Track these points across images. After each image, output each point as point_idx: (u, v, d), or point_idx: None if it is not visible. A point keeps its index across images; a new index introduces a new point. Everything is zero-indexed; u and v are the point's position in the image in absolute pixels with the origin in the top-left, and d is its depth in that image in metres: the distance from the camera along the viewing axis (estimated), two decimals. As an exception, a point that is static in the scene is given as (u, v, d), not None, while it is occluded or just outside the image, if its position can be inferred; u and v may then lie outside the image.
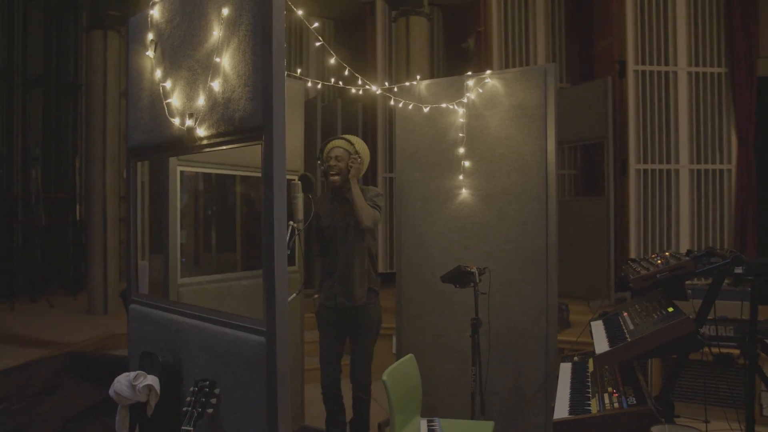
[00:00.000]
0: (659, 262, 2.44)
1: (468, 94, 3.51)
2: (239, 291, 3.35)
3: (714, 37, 5.90)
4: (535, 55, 6.70)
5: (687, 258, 2.29)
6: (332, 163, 3.16)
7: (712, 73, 5.88)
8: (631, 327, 2.31)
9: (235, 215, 4.17)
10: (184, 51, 2.08)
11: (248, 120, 1.80)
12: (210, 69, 1.93)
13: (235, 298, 3.24)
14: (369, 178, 7.24)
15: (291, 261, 3.56)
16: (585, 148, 6.60)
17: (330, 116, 6.71)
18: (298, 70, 2.69)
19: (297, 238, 2.90)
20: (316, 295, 3.42)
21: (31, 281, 6.19)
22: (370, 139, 7.30)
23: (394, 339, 4.09)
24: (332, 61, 2.23)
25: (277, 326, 1.75)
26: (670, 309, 2.24)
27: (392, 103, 3.21)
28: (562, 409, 2.19)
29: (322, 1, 7.76)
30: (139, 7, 2.46)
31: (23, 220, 6.63)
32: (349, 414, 3.36)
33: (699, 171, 5.87)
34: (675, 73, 5.86)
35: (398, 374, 2.68)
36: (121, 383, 2.00)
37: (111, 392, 2.02)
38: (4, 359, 3.62)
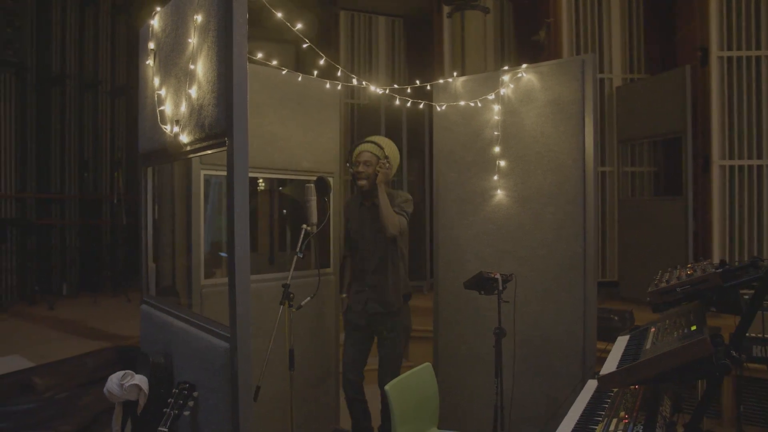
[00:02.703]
0: (688, 272, 2.17)
1: (502, 90, 3.33)
2: (266, 292, 3.34)
3: (817, 15, 5.21)
4: (609, 44, 6.27)
5: (714, 270, 2.01)
6: (360, 168, 3.13)
7: (814, 56, 5.20)
8: (648, 346, 2.07)
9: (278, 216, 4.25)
10: (172, 59, 2.12)
11: (215, 126, 1.80)
12: (188, 76, 1.95)
13: (260, 300, 3.25)
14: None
15: (305, 265, 3.50)
16: (666, 143, 6.09)
17: (395, 119, 6.67)
18: (315, 72, 2.65)
19: (312, 240, 2.90)
20: (344, 295, 3.41)
21: (114, 277, 6.68)
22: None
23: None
24: (321, 62, 2.19)
25: (238, 332, 1.73)
26: (693, 327, 1.98)
27: (398, 103, 3.11)
28: (563, 433, 2.01)
29: (392, -1, 7.76)
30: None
31: (109, 221, 7.17)
32: (377, 420, 3.31)
33: (797, 167, 5.21)
34: (768, 57, 5.24)
35: (407, 385, 2.59)
36: (113, 382, 2.08)
37: (105, 390, 2.11)
38: (66, 349, 3.92)
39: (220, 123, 1.76)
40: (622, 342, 2.35)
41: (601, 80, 6.20)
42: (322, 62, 2.21)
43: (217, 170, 3.06)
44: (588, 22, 6.25)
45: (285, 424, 3.25)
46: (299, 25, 1.95)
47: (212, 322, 1.94)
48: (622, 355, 2.13)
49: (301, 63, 9.68)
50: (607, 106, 6.17)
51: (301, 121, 3.49)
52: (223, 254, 5.40)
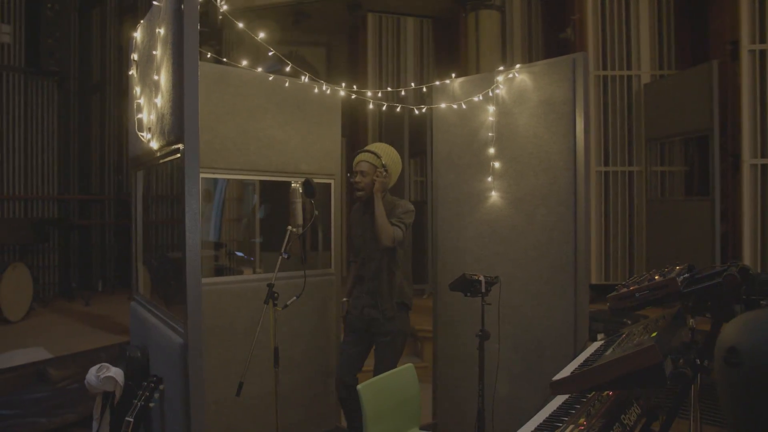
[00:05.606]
0: (656, 278, 2.11)
1: (495, 90, 3.32)
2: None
3: None
4: (637, 40, 6.08)
5: (673, 276, 1.95)
6: (357, 179, 3.17)
7: None
8: (609, 352, 2.04)
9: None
10: (146, 70, 2.23)
11: (171, 133, 1.89)
12: (155, 86, 2.06)
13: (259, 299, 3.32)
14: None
15: (292, 266, 3.53)
16: (700, 141, 5.86)
17: (421, 122, 6.67)
18: (313, 79, 2.72)
19: (297, 240, 2.97)
20: (345, 299, 3.48)
21: (148, 274, 6.98)
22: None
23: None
24: (287, 69, 2.26)
25: (190, 329, 1.82)
26: (654, 334, 1.93)
27: (372, 106, 3.13)
28: (518, 438, 1.99)
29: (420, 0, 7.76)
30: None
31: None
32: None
33: (836, 165, 4.92)
34: (805, 50, 4.97)
35: (383, 386, 2.62)
36: (91, 374, 2.21)
37: (85, 382, 2.25)
38: (91, 342, 4.15)
39: (175, 130, 1.85)
40: (593, 347, 2.31)
41: (629, 77, 6.04)
42: (287, 69, 2.28)
43: (213, 173, 3.18)
44: (615, 17, 6.08)
45: (281, 420, 3.35)
46: (262, 35, 2.02)
47: (174, 318, 2.04)
48: (584, 361, 2.10)
49: (332, 64, 9.84)
50: (635, 103, 6.00)
51: (300, 124, 3.57)
52: (239, 253, 5.55)
